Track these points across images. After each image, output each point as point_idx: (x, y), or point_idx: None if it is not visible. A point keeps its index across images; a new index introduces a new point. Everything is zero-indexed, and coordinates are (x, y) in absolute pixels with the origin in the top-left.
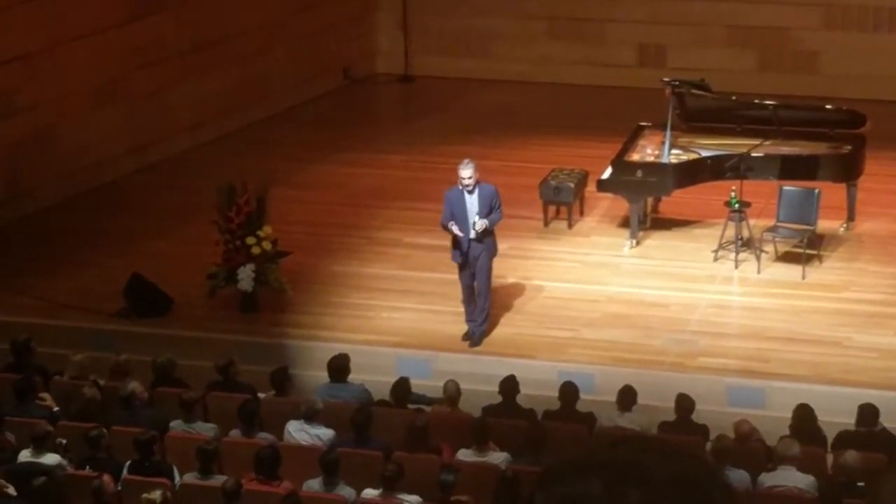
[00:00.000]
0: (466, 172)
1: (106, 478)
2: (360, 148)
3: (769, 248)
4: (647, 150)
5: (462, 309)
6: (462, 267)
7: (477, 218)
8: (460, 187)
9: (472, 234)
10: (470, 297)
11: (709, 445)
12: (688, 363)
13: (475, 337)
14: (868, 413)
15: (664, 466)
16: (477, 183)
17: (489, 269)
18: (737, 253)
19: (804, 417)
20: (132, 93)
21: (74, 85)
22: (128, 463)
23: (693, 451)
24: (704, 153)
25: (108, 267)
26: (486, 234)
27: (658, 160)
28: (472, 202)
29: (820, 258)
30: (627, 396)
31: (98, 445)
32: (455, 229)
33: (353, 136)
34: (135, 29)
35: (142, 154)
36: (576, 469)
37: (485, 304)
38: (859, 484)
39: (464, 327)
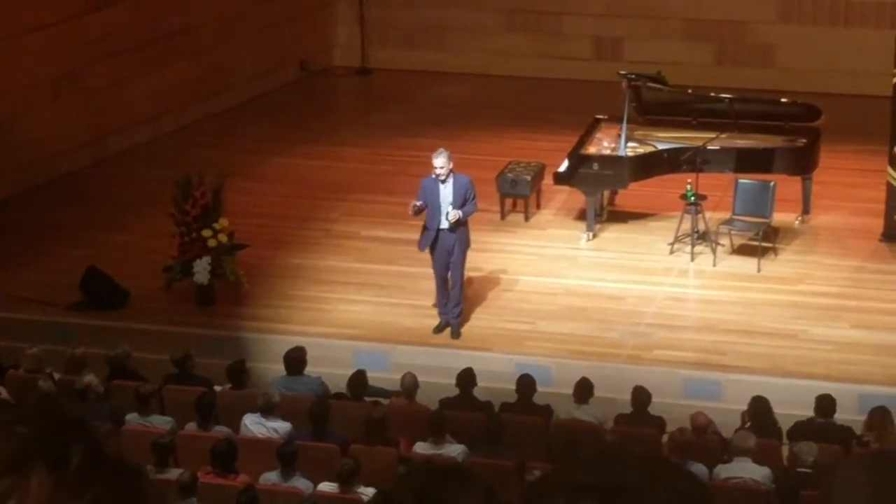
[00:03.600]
0: (439, 161)
1: None
2: (318, 140)
3: (725, 240)
4: (604, 143)
5: (430, 301)
6: (434, 255)
7: (451, 208)
8: (434, 176)
9: (445, 224)
10: (443, 288)
11: (665, 437)
12: (644, 356)
13: (454, 329)
14: (826, 404)
15: (657, 492)
16: (451, 173)
17: (463, 262)
18: (693, 246)
19: (760, 410)
20: (90, 84)
21: (32, 76)
22: None
23: (682, 470)
24: (661, 146)
25: (64, 259)
26: (459, 225)
27: (615, 153)
28: (445, 192)
29: (775, 251)
30: (584, 389)
31: None
32: (418, 205)
33: (310, 128)
34: (93, 20)
35: (99, 146)
36: (568, 489)
37: (459, 297)
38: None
39: (427, 320)
